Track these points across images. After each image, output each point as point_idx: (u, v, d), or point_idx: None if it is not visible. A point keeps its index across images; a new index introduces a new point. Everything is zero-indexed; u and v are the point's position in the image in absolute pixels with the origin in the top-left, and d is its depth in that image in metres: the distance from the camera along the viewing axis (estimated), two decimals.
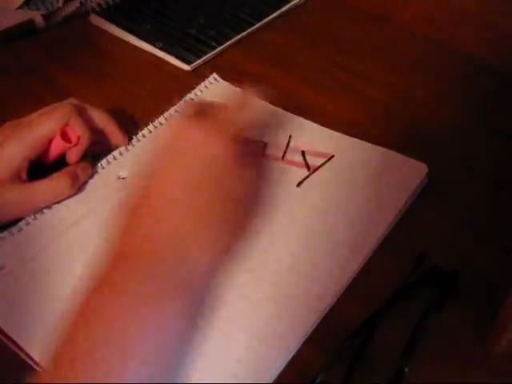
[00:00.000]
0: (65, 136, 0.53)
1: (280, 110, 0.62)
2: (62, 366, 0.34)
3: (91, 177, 0.55)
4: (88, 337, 0.35)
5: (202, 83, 0.66)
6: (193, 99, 0.64)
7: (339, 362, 0.42)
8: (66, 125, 0.52)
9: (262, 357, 0.42)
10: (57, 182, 0.52)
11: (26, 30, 0.77)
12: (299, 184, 0.54)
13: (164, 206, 0.40)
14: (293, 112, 0.61)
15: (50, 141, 0.52)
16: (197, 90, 0.65)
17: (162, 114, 0.62)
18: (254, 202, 0.46)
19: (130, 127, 0.61)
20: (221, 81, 0.67)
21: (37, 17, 0.78)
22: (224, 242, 0.44)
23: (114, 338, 0.35)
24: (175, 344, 0.38)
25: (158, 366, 0.36)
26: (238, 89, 0.65)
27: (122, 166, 0.57)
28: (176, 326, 0.38)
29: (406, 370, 0.41)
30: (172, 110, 0.62)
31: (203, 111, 0.43)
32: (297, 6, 0.80)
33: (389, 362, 0.41)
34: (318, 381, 0.41)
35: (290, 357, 0.42)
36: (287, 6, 0.79)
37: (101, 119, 0.56)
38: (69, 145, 0.53)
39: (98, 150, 0.57)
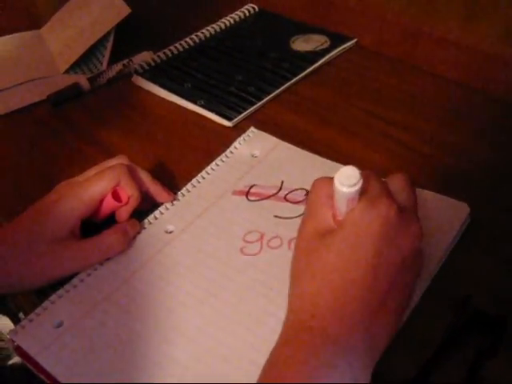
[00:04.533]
0: (116, 195, 0.55)
1: (319, 158, 0.64)
2: None
3: (139, 232, 0.57)
4: None
5: (241, 137, 0.68)
6: (232, 153, 0.66)
7: None
8: (118, 185, 0.54)
9: None
10: (108, 239, 0.54)
11: (72, 92, 0.80)
12: None
13: (344, 286, 0.41)
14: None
15: (102, 200, 0.55)
16: (236, 143, 0.67)
17: (204, 168, 0.64)
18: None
19: (175, 182, 0.63)
20: (258, 132, 0.69)
21: (82, 80, 0.81)
22: (393, 328, 0.44)
23: None
24: None
25: None
26: (274, 138, 0.67)
27: (168, 220, 0.58)
28: None
29: None
30: (213, 165, 0.64)
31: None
32: (332, 60, 0.83)
33: None
34: None
35: None
36: (322, 60, 0.82)
37: (146, 181, 0.58)
38: (119, 204, 0.55)
39: (144, 207, 0.59)
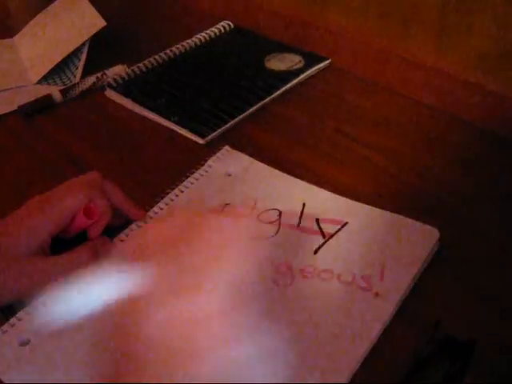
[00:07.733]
0: (87, 212, 0.54)
1: (293, 179, 0.64)
2: None
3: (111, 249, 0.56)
4: None
5: (215, 155, 0.68)
6: (207, 171, 0.66)
7: None
8: (89, 201, 0.54)
9: None
10: (79, 257, 0.53)
11: (44, 104, 0.80)
12: (316, 251, 0.55)
13: None
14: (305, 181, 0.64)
15: (73, 216, 0.54)
16: (210, 162, 0.67)
17: (177, 186, 0.64)
18: None
19: (147, 200, 0.62)
20: (232, 151, 0.69)
21: (55, 92, 0.81)
22: None
23: None
24: None
25: None
26: (248, 158, 0.68)
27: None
28: None
29: None
30: (187, 183, 0.64)
31: None
32: (306, 79, 0.84)
33: None
34: None
35: None
36: (296, 80, 0.82)
37: (118, 198, 0.58)
38: (91, 221, 0.54)
39: (116, 223, 0.58)
